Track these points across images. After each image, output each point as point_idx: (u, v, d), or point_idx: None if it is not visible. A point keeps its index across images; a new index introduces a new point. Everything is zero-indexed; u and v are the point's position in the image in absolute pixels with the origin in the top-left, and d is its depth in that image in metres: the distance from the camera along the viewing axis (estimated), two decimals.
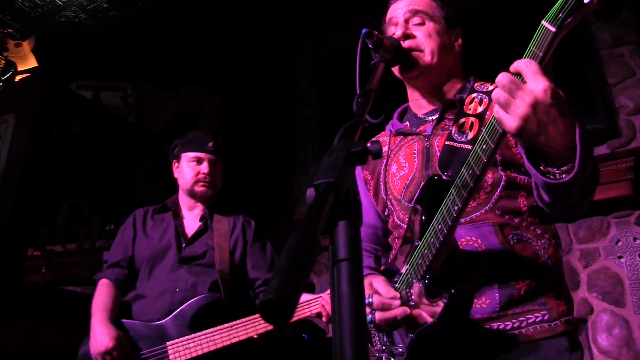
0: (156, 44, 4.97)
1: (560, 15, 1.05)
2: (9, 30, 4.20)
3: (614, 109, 3.66)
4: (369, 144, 0.80)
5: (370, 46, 1.40)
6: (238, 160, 5.31)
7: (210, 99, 5.14)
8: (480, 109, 1.48)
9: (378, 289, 1.37)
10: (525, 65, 1.07)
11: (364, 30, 1.33)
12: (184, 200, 2.74)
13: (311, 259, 0.57)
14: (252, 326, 2.33)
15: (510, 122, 1.08)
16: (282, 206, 4.89)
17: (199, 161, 2.67)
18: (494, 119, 1.16)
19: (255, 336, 2.34)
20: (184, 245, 2.57)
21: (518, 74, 1.09)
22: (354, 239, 0.70)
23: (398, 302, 1.32)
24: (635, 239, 3.44)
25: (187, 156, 2.69)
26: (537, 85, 1.05)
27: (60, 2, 4.33)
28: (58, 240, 3.61)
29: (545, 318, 1.33)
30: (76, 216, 3.73)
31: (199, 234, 2.62)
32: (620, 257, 3.44)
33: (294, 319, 2.33)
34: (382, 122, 1.15)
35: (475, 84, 1.58)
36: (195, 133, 2.79)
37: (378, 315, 1.31)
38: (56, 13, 4.45)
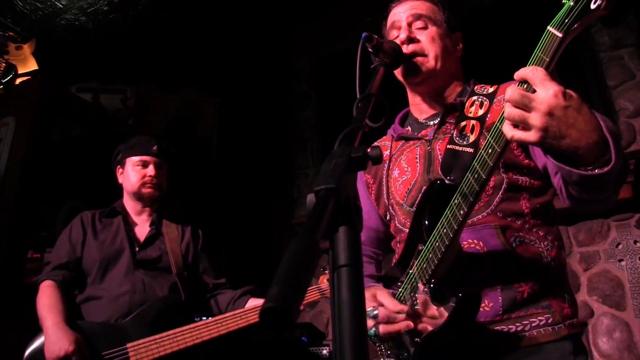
0: (156, 47, 4.97)
1: (566, 20, 1.05)
2: (10, 33, 4.20)
3: (614, 112, 3.65)
4: (369, 150, 0.80)
5: (370, 50, 1.40)
6: (237, 163, 5.31)
7: (210, 100, 5.14)
8: (480, 112, 1.48)
9: (383, 302, 1.36)
10: (531, 72, 1.06)
11: (363, 34, 1.33)
12: (130, 205, 2.76)
13: (311, 265, 0.57)
14: (215, 328, 2.34)
15: (531, 136, 1.06)
16: (282, 208, 4.89)
17: (144, 164, 2.70)
18: (499, 122, 1.15)
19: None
20: (137, 249, 2.59)
21: (524, 82, 1.08)
22: (354, 245, 0.70)
23: (403, 316, 1.32)
24: (635, 242, 3.43)
25: (132, 160, 2.71)
26: (547, 91, 1.04)
27: (60, 5, 4.33)
28: None
29: (549, 321, 1.32)
30: None
31: (151, 238, 2.64)
32: (620, 260, 3.43)
33: (245, 323, 2.39)
34: (383, 127, 1.15)
35: (475, 87, 1.58)
36: (139, 138, 2.82)
37: (382, 328, 1.32)
38: (56, 16, 4.45)
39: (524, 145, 1.43)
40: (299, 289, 0.53)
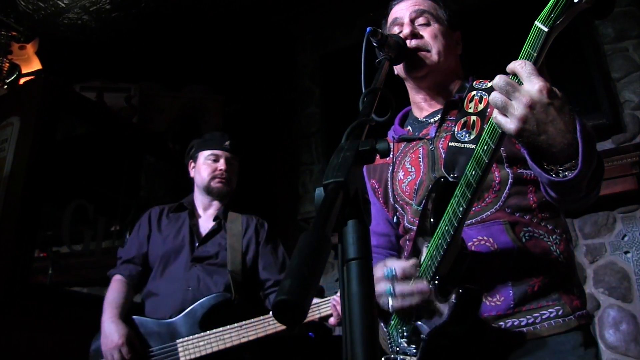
0: (159, 45, 4.97)
1: (551, 15, 1.06)
2: (13, 33, 4.21)
3: (619, 104, 3.64)
4: (376, 142, 0.80)
5: (374, 44, 1.40)
6: (241, 159, 5.32)
7: (214, 98, 5.14)
8: (480, 107, 1.49)
9: (396, 264, 1.36)
10: (520, 66, 1.09)
11: (368, 29, 1.34)
12: (199, 199, 2.78)
13: (323, 258, 0.57)
14: (262, 326, 2.35)
15: (509, 124, 1.09)
16: (286, 205, 4.89)
17: (215, 159, 2.73)
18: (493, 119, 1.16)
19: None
20: (197, 244, 2.60)
21: (514, 75, 1.10)
22: (363, 238, 0.71)
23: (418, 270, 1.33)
24: None
25: (204, 154, 2.75)
26: (532, 85, 1.07)
27: (63, 4, 4.34)
28: (64, 241, 3.63)
29: (560, 313, 1.33)
30: (81, 217, 3.74)
31: (212, 233, 2.65)
32: (626, 252, 3.43)
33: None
34: (385, 123, 1.16)
35: (474, 82, 1.59)
36: (212, 133, 2.88)
37: (398, 287, 1.31)
38: (59, 15, 4.45)
39: None
40: (311, 282, 0.54)
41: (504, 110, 1.10)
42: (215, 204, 2.75)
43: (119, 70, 4.95)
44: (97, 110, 4.11)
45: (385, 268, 1.34)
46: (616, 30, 3.77)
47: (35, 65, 4.26)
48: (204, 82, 5.29)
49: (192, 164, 2.81)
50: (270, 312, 2.38)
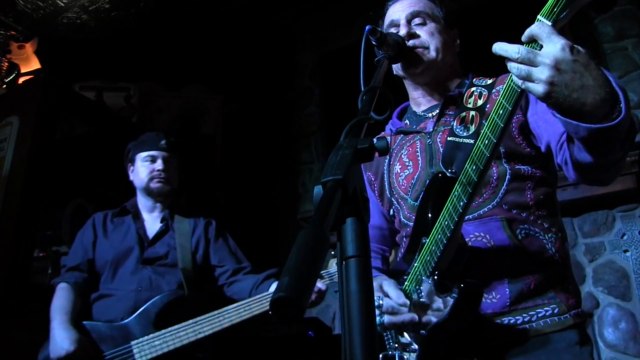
0: (158, 44, 4.97)
1: (555, 9, 1.05)
2: (12, 32, 4.21)
3: None
4: (375, 140, 0.80)
5: (374, 43, 1.40)
6: (241, 159, 5.32)
7: (213, 97, 5.14)
8: (480, 102, 1.49)
9: (388, 293, 1.37)
10: (538, 28, 1.05)
11: (367, 27, 1.34)
12: (142, 202, 2.75)
13: (321, 256, 0.57)
14: (217, 321, 2.34)
15: (538, 88, 1.04)
16: (286, 204, 4.89)
17: (152, 159, 2.70)
18: (495, 113, 1.15)
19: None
20: (146, 246, 2.58)
21: (532, 43, 1.07)
22: (362, 236, 0.71)
23: (406, 309, 1.32)
24: None
25: (141, 156, 2.72)
26: (554, 45, 1.03)
27: (62, 4, 4.34)
28: (63, 241, 3.62)
29: (555, 312, 1.33)
30: (81, 217, 3.73)
31: (160, 234, 2.63)
32: (625, 251, 3.43)
33: (248, 315, 2.37)
34: (383, 120, 1.15)
35: (474, 79, 1.59)
36: (147, 134, 2.83)
37: (387, 318, 1.32)
38: (58, 14, 4.45)
39: (525, 133, 1.44)
40: (309, 279, 0.54)
41: (529, 79, 1.05)
42: (159, 206, 2.73)
43: (118, 70, 4.95)
44: (96, 110, 4.11)
45: (376, 294, 1.35)
46: (615, 29, 3.77)
47: (34, 64, 4.26)
48: (203, 82, 5.29)
49: (131, 167, 2.77)
50: (226, 305, 2.38)
